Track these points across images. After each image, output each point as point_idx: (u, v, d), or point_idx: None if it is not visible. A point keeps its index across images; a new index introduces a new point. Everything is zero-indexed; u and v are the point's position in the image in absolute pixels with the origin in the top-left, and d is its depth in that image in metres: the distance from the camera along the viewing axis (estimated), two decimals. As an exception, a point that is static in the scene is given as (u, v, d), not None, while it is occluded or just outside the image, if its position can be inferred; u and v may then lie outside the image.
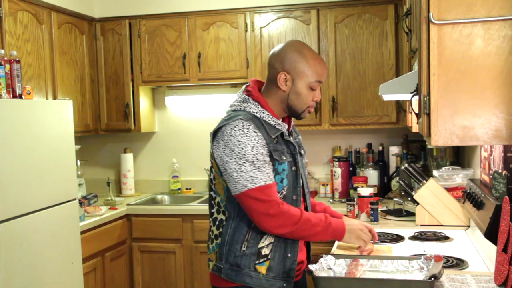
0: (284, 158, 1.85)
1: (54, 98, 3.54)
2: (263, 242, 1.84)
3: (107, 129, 4.12)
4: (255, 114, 1.84)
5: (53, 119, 2.92)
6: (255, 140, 1.77)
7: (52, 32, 3.54)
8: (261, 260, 1.83)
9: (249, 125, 1.78)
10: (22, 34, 3.25)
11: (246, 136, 1.76)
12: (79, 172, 3.90)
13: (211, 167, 1.91)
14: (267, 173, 1.78)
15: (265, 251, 1.84)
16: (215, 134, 1.84)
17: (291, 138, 1.92)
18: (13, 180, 2.60)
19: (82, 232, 3.21)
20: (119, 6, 4.05)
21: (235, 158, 1.76)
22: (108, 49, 4.06)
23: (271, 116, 1.85)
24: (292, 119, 2.01)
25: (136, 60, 4.03)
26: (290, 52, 1.87)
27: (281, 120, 1.92)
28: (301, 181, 1.93)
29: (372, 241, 2.08)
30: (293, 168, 1.88)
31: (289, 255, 1.86)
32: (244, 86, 1.95)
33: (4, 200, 2.54)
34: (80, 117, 3.84)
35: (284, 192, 1.86)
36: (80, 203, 3.43)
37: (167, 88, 4.29)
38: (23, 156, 2.67)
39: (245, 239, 1.83)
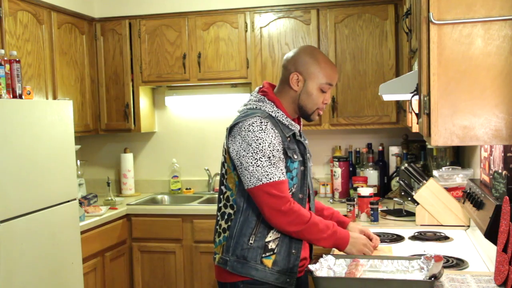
0: (296, 157, 1.92)
1: (54, 98, 3.54)
2: (270, 237, 1.90)
3: (107, 129, 4.12)
4: (270, 113, 1.91)
5: (53, 119, 2.92)
6: (272, 136, 1.84)
7: (52, 32, 3.54)
8: (268, 254, 1.89)
9: (266, 123, 1.85)
10: (22, 34, 3.25)
11: (264, 132, 1.83)
12: (79, 172, 3.90)
13: (224, 162, 1.97)
14: (281, 170, 1.85)
15: (272, 245, 1.90)
16: (231, 129, 1.90)
17: (302, 139, 2.00)
18: (13, 180, 2.60)
19: (82, 232, 3.21)
20: (119, 6, 4.05)
21: (252, 153, 1.82)
22: (108, 49, 4.06)
23: (285, 116, 1.93)
24: (301, 121, 2.10)
25: (136, 60, 4.03)
26: (303, 55, 1.96)
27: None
28: (308, 181, 2.00)
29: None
30: (302, 168, 1.96)
31: (294, 251, 1.92)
32: (257, 88, 2.03)
33: (4, 200, 2.54)
34: (80, 117, 3.84)
35: (293, 190, 1.93)
36: (80, 203, 3.43)
37: (167, 88, 4.29)
38: (23, 156, 2.67)
39: (253, 232, 1.89)
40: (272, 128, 1.85)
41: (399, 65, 3.66)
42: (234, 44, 3.86)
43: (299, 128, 1.99)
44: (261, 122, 1.84)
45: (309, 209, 2.05)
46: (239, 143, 1.85)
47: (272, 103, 1.94)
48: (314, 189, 4.02)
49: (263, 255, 1.89)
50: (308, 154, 2.04)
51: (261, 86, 2.02)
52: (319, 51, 2.02)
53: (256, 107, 1.94)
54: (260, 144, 1.82)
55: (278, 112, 1.92)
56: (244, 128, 1.85)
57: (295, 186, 1.94)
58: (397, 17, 3.62)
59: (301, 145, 1.98)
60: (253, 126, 1.84)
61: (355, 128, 3.78)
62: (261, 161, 1.82)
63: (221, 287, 1.99)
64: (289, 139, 1.92)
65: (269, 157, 1.83)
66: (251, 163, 1.82)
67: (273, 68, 3.80)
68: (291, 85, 1.95)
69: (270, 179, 1.82)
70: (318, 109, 1.98)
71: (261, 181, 1.82)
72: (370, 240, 2.08)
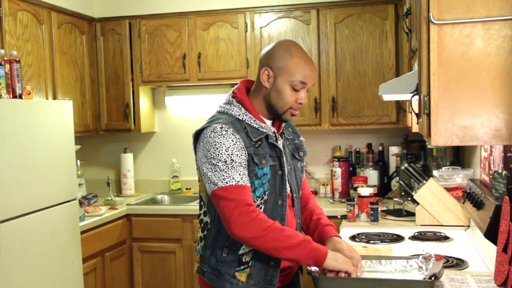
0: (265, 162, 1.79)
1: (54, 98, 3.54)
2: (243, 249, 1.79)
3: (107, 129, 4.12)
4: (237, 116, 1.80)
5: (53, 119, 2.92)
6: (232, 141, 1.73)
7: (52, 32, 3.54)
8: (242, 268, 1.79)
9: (228, 128, 1.74)
10: (22, 34, 3.25)
11: (224, 137, 1.73)
12: (79, 172, 3.90)
13: (197, 168, 1.88)
14: (240, 174, 1.72)
15: (246, 258, 1.79)
16: (198, 135, 1.82)
17: (279, 142, 1.86)
18: (13, 180, 2.60)
19: (82, 232, 3.21)
20: (119, 6, 4.05)
21: (210, 158, 1.73)
22: (108, 49, 4.06)
23: (253, 119, 1.81)
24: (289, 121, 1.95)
25: (136, 60, 4.03)
26: (277, 49, 1.82)
27: (271, 121, 1.88)
28: (288, 186, 1.86)
29: None
30: (279, 172, 1.82)
31: (272, 262, 1.79)
32: (234, 87, 1.92)
33: (4, 200, 2.54)
34: (80, 117, 3.84)
35: (265, 197, 1.80)
36: (80, 203, 3.43)
37: (167, 88, 4.29)
38: (23, 156, 2.67)
39: (225, 245, 1.79)
40: (233, 134, 1.73)
41: (399, 65, 3.66)
42: (234, 44, 3.86)
43: (273, 130, 1.84)
44: (222, 128, 1.74)
45: (294, 216, 1.91)
46: (201, 150, 1.77)
47: (240, 105, 1.82)
48: (314, 189, 4.05)
49: (237, 269, 1.78)
50: (298, 154, 1.95)
51: (236, 85, 1.92)
52: (297, 46, 1.83)
53: (224, 111, 1.83)
54: (217, 149, 1.72)
55: (246, 115, 1.80)
56: (206, 134, 1.76)
57: (267, 193, 1.79)
58: (397, 17, 3.62)
59: (277, 149, 1.83)
60: (214, 133, 1.74)
61: (355, 128, 3.78)
62: (218, 165, 1.71)
63: None
64: (259, 143, 1.79)
65: (226, 161, 1.71)
66: (210, 168, 1.72)
67: (273, 68, 3.79)
68: (262, 81, 1.81)
69: (227, 182, 1.69)
70: (291, 109, 1.81)
71: (216, 185, 1.70)
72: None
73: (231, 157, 1.71)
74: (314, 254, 1.66)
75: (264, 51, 1.86)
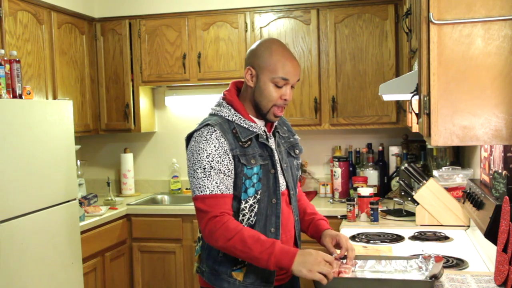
0: (254, 162, 1.79)
1: (54, 98, 3.54)
2: None
3: (107, 129, 4.12)
4: (227, 117, 1.82)
5: (53, 119, 2.92)
6: (214, 147, 1.75)
7: (52, 32, 3.54)
8: (238, 267, 1.81)
9: (213, 131, 1.77)
10: (22, 34, 3.25)
11: (207, 142, 1.76)
12: (79, 172, 3.90)
13: None
14: (217, 183, 1.75)
15: None
16: (189, 139, 1.84)
17: (270, 141, 1.88)
18: (13, 180, 2.60)
19: (82, 232, 3.21)
20: (119, 6, 4.05)
21: (192, 164, 1.77)
22: (108, 49, 4.06)
23: (243, 119, 1.82)
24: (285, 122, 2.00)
25: (136, 60, 4.03)
26: (258, 47, 1.84)
27: (263, 122, 1.89)
28: (283, 184, 1.88)
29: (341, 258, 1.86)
30: (271, 171, 1.83)
31: None
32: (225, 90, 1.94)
33: (4, 200, 2.54)
34: (80, 117, 3.84)
35: (258, 196, 1.81)
36: (80, 203, 3.43)
37: (167, 88, 4.29)
38: (23, 156, 2.67)
39: None
40: (216, 138, 1.75)
41: (399, 65, 3.66)
42: (234, 44, 3.86)
43: (263, 129, 1.86)
44: (208, 132, 1.76)
45: (292, 213, 1.91)
46: (188, 153, 1.81)
47: (230, 107, 1.84)
48: (314, 189, 4.05)
49: (234, 268, 1.81)
50: (294, 152, 1.96)
51: (228, 87, 1.93)
52: (279, 43, 1.84)
53: (214, 113, 1.85)
54: (199, 154, 1.75)
55: (235, 116, 1.82)
56: (193, 138, 1.80)
57: (259, 192, 1.80)
58: (397, 17, 3.62)
59: (268, 148, 1.84)
60: (200, 137, 1.77)
61: (355, 128, 3.78)
62: (197, 172, 1.75)
63: None
64: (248, 143, 1.80)
65: (205, 168, 1.74)
66: (191, 174, 1.78)
67: (273, 68, 3.79)
68: (246, 81, 1.84)
69: (201, 192, 1.74)
70: (276, 106, 1.81)
71: (194, 193, 1.77)
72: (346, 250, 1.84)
73: (210, 164, 1.75)
74: (278, 264, 1.67)
75: (248, 51, 1.89)
